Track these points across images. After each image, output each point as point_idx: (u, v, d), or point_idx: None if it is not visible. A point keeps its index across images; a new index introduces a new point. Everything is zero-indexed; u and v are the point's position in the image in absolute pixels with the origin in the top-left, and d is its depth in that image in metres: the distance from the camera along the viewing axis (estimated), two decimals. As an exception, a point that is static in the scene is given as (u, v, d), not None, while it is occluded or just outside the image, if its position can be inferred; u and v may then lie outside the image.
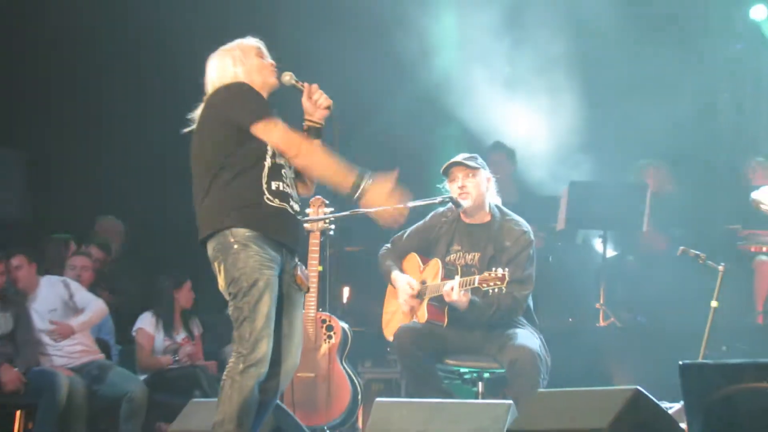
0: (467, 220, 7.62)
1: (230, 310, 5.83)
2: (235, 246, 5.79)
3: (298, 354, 6.02)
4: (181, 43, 10.61)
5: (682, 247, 8.63)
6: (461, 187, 7.52)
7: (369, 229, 9.29)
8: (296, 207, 5.98)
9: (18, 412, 8.80)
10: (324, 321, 8.19)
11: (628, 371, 9.41)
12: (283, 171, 5.93)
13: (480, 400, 7.44)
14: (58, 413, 8.61)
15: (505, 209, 7.71)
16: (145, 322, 9.54)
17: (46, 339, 9.01)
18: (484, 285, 7.02)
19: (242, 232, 5.80)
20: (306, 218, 7.98)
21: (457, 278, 7.28)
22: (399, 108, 11.52)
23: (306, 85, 6.13)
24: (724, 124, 11.61)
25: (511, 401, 6.50)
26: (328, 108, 6.11)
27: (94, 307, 9.24)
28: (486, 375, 7.55)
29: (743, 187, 10.07)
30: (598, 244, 10.50)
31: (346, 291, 10.07)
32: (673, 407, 6.86)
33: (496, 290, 7.04)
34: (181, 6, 11.33)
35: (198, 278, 9.72)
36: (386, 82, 11.31)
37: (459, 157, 7.57)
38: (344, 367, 8.12)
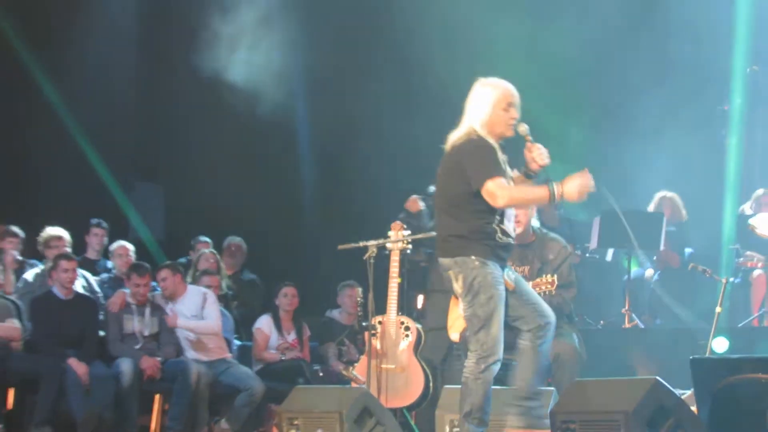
0: (516, 241, 7.67)
1: (467, 315, 6.02)
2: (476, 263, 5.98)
3: (539, 309, 6.16)
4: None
5: (692, 263, 8.73)
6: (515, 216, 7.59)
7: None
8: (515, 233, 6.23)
9: (157, 395, 8.96)
10: (402, 323, 8.21)
11: (649, 364, 9.41)
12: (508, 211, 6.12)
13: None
14: (189, 396, 8.75)
15: (543, 229, 7.76)
16: (263, 323, 9.63)
17: (184, 338, 9.16)
18: (536, 289, 7.02)
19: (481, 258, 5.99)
20: (387, 240, 8.01)
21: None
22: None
23: (530, 143, 6.05)
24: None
25: (553, 388, 6.63)
26: (541, 166, 6.06)
27: (207, 322, 9.21)
28: (533, 367, 7.62)
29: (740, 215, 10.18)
30: (623, 261, 10.49)
31: (420, 298, 10.05)
32: (686, 393, 6.87)
33: (546, 293, 7.12)
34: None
35: (305, 287, 9.93)
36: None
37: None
38: (419, 360, 8.15)
